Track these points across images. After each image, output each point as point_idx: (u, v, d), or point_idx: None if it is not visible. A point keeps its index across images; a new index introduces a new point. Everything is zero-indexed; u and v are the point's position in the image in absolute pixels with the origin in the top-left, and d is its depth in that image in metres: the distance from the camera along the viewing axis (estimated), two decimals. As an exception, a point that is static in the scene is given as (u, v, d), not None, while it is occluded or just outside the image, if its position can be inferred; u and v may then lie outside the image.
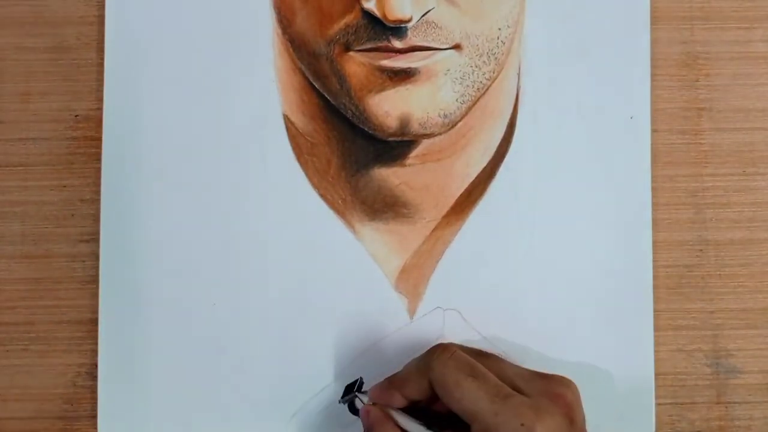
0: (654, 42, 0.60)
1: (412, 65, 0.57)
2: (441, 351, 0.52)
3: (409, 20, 0.55)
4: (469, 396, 0.49)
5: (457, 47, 0.57)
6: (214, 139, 0.59)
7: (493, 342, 0.58)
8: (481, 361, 0.52)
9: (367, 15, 0.56)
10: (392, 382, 0.53)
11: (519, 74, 0.60)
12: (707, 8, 0.61)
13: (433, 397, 0.51)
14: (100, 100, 0.60)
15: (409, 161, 0.59)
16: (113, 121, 0.59)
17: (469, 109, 0.59)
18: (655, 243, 0.59)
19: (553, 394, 0.50)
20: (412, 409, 0.53)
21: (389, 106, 0.57)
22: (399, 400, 0.53)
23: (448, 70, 0.58)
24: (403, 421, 0.52)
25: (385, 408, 0.53)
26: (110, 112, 0.59)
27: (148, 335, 0.59)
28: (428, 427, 0.52)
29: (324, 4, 0.57)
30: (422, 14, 0.56)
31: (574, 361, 0.59)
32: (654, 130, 0.60)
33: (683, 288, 0.60)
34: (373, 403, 0.53)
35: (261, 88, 0.60)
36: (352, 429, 0.58)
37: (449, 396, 0.50)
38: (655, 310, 0.59)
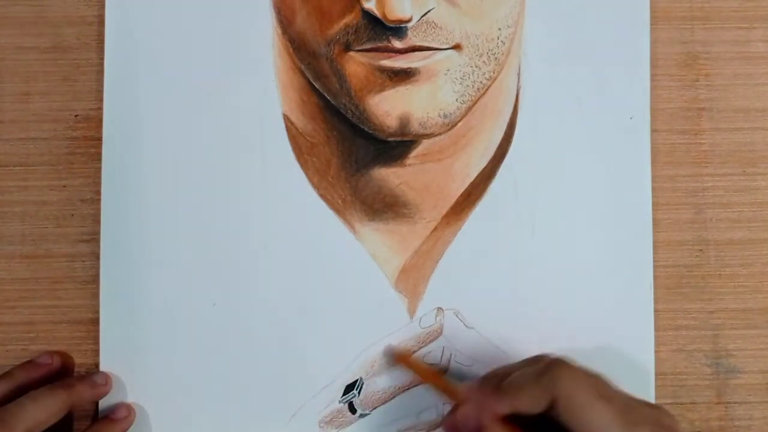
0: (654, 42, 0.60)
1: (412, 65, 0.57)
2: (566, 367, 0.49)
3: (409, 20, 0.55)
4: (601, 420, 0.47)
5: (457, 47, 0.57)
6: (214, 139, 0.59)
7: (493, 341, 0.58)
8: (604, 386, 0.49)
9: (367, 15, 0.56)
10: (503, 389, 0.49)
11: (519, 74, 0.60)
12: (707, 8, 0.61)
13: (541, 412, 0.48)
14: (100, 100, 0.60)
15: (409, 161, 0.60)
16: (113, 121, 0.59)
17: (469, 109, 0.59)
18: (655, 243, 0.59)
19: (665, 425, 0.49)
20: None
21: (389, 106, 0.57)
22: (504, 409, 0.49)
23: (448, 70, 0.58)
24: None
25: (483, 415, 0.49)
26: (110, 112, 0.60)
27: (148, 335, 0.59)
28: None
29: (324, 4, 0.57)
30: (422, 14, 0.56)
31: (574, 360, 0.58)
32: (654, 130, 0.60)
33: (683, 288, 0.60)
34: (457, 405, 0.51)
35: (261, 88, 0.60)
36: (352, 429, 0.58)
37: (578, 416, 0.47)
38: (655, 310, 0.59)
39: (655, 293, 0.59)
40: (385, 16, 0.55)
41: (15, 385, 0.55)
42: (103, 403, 0.58)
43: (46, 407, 0.53)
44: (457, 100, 0.58)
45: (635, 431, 0.47)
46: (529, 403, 0.49)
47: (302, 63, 0.59)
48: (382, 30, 0.56)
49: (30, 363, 0.57)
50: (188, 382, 0.59)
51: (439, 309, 0.59)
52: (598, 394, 0.48)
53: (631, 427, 0.47)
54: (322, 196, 0.59)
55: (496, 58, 0.58)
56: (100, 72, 0.60)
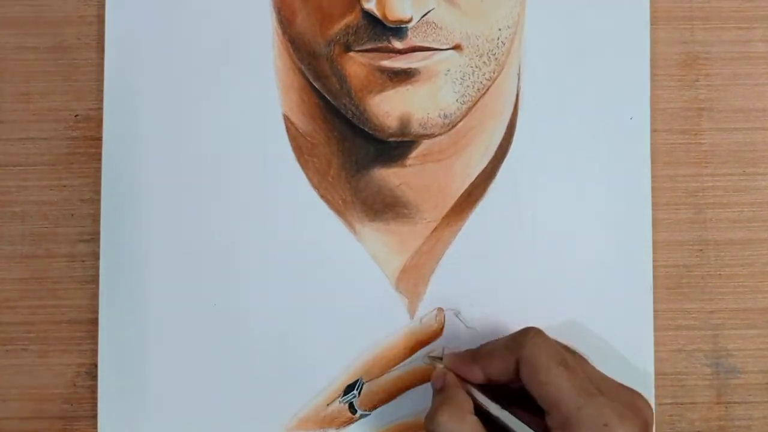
0: (654, 42, 0.60)
1: (413, 65, 0.57)
2: (535, 333, 0.51)
3: (410, 21, 0.55)
4: (556, 383, 0.48)
5: (457, 47, 0.57)
6: (214, 139, 0.59)
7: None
8: (569, 357, 0.51)
9: (368, 15, 0.56)
10: (475, 356, 0.53)
11: (519, 74, 0.60)
12: (707, 8, 0.61)
13: (513, 379, 0.51)
14: (100, 100, 0.60)
15: (409, 162, 0.60)
16: (113, 121, 0.59)
17: (470, 109, 0.59)
18: (655, 243, 0.59)
19: (634, 405, 0.49)
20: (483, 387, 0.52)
21: (389, 107, 0.57)
22: (477, 376, 0.52)
23: (449, 70, 0.58)
24: (478, 396, 0.51)
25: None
26: (110, 112, 0.59)
27: (148, 335, 0.59)
28: (501, 407, 0.51)
29: (324, 5, 0.57)
30: (422, 15, 0.56)
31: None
32: (654, 130, 0.60)
33: (683, 288, 0.60)
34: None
35: (261, 88, 0.60)
36: (352, 429, 0.58)
37: (536, 379, 0.49)
38: (655, 310, 0.59)
39: (655, 293, 0.59)
40: (385, 16, 0.55)
41: None
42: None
43: None
44: (457, 100, 0.58)
45: (590, 400, 0.48)
46: (499, 368, 0.51)
47: (302, 63, 0.59)
48: (382, 30, 0.56)
49: None
50: (188, 383, 0.59)
51: (440, 309, 0.59)
52: (559, 361, 0.49)
53: (587, 396, 0.48)
54: (322, 196, 0.59)
55: (496, 59, 0.58)
56: (100, 72, 0.60)
